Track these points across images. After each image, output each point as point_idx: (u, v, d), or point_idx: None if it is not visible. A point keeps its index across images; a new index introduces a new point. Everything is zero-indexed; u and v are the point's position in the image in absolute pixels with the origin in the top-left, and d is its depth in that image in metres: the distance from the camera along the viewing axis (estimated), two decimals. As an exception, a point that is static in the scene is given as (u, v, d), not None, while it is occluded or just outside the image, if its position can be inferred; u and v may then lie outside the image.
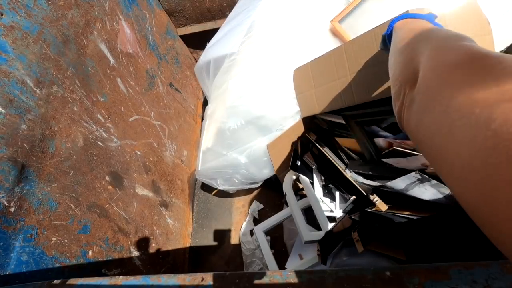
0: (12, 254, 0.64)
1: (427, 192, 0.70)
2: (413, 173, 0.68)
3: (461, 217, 0.64)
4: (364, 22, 1.06)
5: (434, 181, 0.67)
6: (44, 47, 0.81)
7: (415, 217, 0.70)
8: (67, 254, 0.76)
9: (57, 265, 0.73)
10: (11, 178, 0.66)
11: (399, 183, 0.72)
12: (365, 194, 0.81)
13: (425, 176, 0.67)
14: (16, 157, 0.68)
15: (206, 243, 1.38)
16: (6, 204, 0.65)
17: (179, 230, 1.30)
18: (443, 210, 0.69)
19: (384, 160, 0.81)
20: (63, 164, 0.80)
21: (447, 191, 0.67)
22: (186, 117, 1.53)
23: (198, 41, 1.61)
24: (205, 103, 1.59)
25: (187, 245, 1.34)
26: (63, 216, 0.77)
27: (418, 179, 0.68)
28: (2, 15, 0.72)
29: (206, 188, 1.46)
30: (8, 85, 0.70)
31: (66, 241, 0.77)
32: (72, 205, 0.80)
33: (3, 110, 0.68)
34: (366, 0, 1.06)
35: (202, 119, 1.43)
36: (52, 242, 0.73)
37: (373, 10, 1.06)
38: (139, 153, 1.13)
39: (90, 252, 0.83)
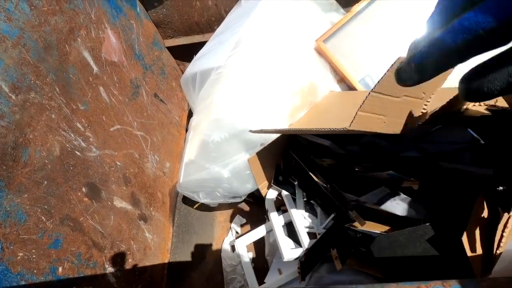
0: (-28, 271, 0.60)
1: (399, 206, 0.71)
2: (382, 187, 0.69)
3: (433, 232, 0.65)
4: (348, 44, 1.10)
5: (403, 195, 0.68)
6: (24, 52, 0.78)
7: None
8: (35, 271, 0.72)
9: (23, 282, 0.68)
10: (-23, 188, 0.63)
11: (371, 197, 0.73)
12: (344, 210, 0.82)
13: (395, 191, 0.69)
14: (-15, 165, 0.65)
15: (186, 258, 1.33)
16: (-30, 216, 0.61)
17: (158, 245, 1.25)
18: (412, 224, 0.71)
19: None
20: (36, 174, 0.76)
21: (418, 206, 0.69)
22: (170, 128, 1.51)
23: (185, 53, 1.61)
24: (190, 114, 1.58)
25: (166, 261, 1.29)
26: (32, 229, 0.73)
27: (388, 193, 0.70)
28: (-20, 18, 0.70)
29: (188, 201, 1.43)
30: (-19, 90, 0.67)
31: (34, 256, 0.72)
32: (43, 217, 0.76)
33: (-27, 116, 0.65)
34: (350, 22, 1.10)
35: (187, 131, 1.42)
36: (19, 257, 0.68)
37: (357, 33, 1.10)
38: (119, 164, 1.09)
39: (60, 269, 0.78)
